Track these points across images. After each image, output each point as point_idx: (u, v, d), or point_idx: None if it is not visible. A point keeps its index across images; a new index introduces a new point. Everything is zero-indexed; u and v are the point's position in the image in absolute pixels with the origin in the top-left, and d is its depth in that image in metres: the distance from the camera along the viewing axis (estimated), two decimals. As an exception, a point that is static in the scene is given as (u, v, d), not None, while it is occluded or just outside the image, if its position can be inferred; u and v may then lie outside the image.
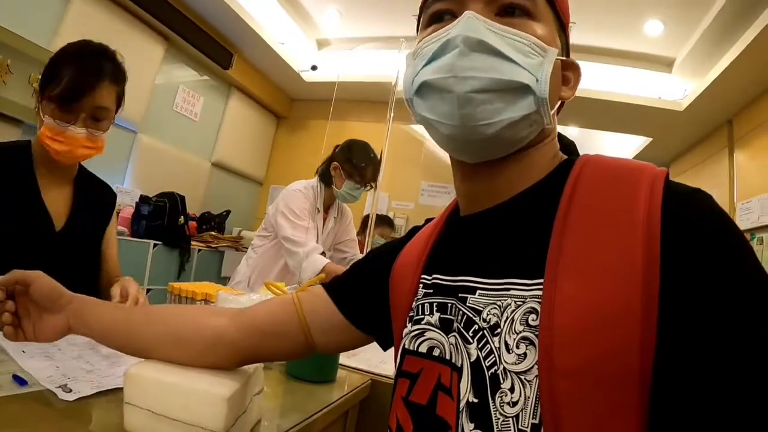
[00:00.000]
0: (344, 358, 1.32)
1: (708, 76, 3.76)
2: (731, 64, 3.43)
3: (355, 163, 2.41)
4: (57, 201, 1.32)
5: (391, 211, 5.19)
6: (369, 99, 4.82)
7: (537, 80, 0.56)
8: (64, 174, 1.33)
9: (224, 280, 4.11)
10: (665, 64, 4.14)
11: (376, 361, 1.36)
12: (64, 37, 3.18)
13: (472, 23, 0.55)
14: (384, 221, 3.86)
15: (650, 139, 5.11)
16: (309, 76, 5.21)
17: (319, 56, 5.11)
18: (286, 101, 5.97)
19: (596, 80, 4.25)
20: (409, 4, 0.66)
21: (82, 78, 1.22)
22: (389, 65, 3.13)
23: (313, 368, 1.17)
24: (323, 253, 2.52)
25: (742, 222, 3.89)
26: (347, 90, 4.96)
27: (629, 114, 4.45)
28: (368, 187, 2.50)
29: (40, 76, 1.28)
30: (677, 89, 4.19)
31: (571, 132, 5.60)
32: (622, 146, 5.83)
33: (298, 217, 2.38)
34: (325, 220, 2.60)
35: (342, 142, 2.58)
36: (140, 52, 3.95)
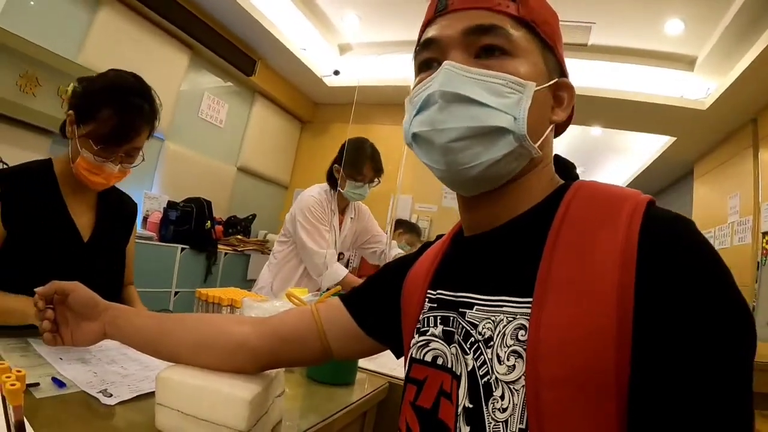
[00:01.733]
0: (363, 362, 1.36)
1: (730, 74, 3.72)
2: (754, 61, 3.39)
3: (351, 163, 2.43)
4: (83, 214, 1.39)
5: (415, 214, 5.20)
6: (391, 102, 4.86)
7: (515, 119, 0.59)
8: (87, 189, 1.38)
9: (250, 283, 4.19)
10: (687, 62, 4.11)
11: (393, 364, 1.40)
12: (91, 49, 3.34)
13: (449, 75, 0.60)
14: (411, 229, 3.88)
15: (674, 139, 5.06)
16: (331, 81, 5.28)
17: (341, 61, 5.18)
18: (309, 106, 6.05)
19: (618, 80, 4.25)
20: (427, 7, 0.71)
21: (123, 126, 1.27)
22: (410, 68, 3.18)
23: (333, 372, 1.22)
24: (341, 255, 2.60)
25: (766, 223, 3.85)
26: (369, 93, 5.03)
27: (652, 113, 4.42)
28: (374, 183, 2.51)
29: (69, 90, 1.32)
30: (700, 88, 4.15)
31: (594, 132, 5.58)
32: (646, 145, 5.80)
33: (313, 225, 2.43)
34: (341, 222, 2.63)
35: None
36: (165, 61, 4.07)
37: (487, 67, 0.60)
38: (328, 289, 1.93)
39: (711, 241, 3.95)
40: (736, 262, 4.08)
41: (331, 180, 2.54)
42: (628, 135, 5.55)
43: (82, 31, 3.38)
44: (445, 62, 0.61)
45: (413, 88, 0.67)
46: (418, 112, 0.64)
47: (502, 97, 0.59)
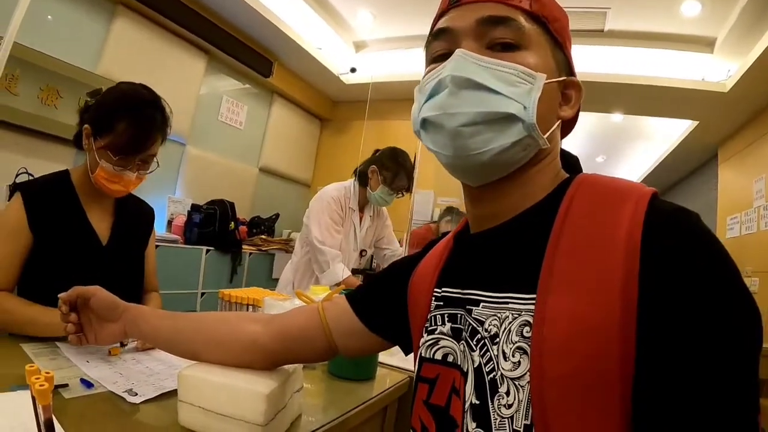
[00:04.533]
0: (384, 357, 1.37)
1: (750, 54, 3.61)
2: (774, 40, 3.28)
3: (392, 172, 2.50)
4: (101, 220, 1.46)
5: (437, 208, 5.19)
6: (407, 97, 4.80)
7: (525, 107, 0.59)
8: (105, 195, 1.44)
9: (275, 282, 4.23)
10: (706, 44, 4.01)
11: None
12: (109, 59, 3.42)
13: (460, 62, 0.60)
14: (460, 216, 3.69)
15: (696, 123, 4.96)
16: (348, 79, 5.30)
17: (357, 58, 5.20)
18: (328, 104, 6.09)
19: (637, 65, 4.19)
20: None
21: (139, 136, 1.35)
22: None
23: (353, 367, 1.24)
24: (363, 251, 2.67)
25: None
26: (386, 89, 5.05)
27: (673, 98, 4.33)
28: (400, 195, 2.59)
29: (87, 101, 1.43)
30: (720, 70, 4.05)
31: (615, 119, 5.51)
32: (668, 131, 5.70)
33: (327, 222, 2.49)
34: (361, 218, 2.69)
35: (382, 143, 2.67)
36: (183, 67, 4.13)
37: (498, 58, 0.61)
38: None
39: (737, 226, 3.85)
40: (762, 247, 4.00)
41: (362, 177, 2.59)
42: (649, 121, 5.45)
43: (99, 42, 3.45)
44: (458, 50, 0.61)
45: (423, 77, 0.67)
46: (428, 98, 0.64)
47: (512, 86, 0.60)
